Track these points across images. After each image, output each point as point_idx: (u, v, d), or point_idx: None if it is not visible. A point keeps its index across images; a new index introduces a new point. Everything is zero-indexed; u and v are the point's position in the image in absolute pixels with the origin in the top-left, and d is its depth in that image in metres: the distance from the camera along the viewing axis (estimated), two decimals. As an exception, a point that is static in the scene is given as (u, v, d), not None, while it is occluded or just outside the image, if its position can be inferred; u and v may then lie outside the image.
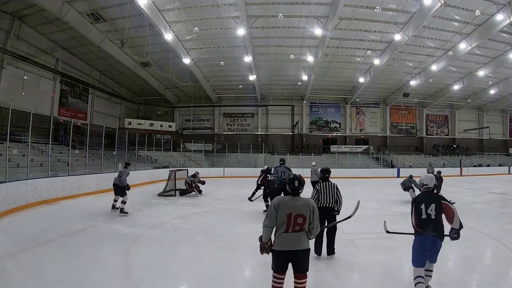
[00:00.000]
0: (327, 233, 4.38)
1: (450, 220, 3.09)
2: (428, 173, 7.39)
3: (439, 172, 9.61)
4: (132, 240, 5.24)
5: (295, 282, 2.86)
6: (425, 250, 3.09)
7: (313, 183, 11.63)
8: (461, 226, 3.09)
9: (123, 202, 7.43)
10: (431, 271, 3.26)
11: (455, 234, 3.07)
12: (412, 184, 9.40)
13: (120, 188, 7.57)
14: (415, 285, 3.07)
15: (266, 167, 9.81)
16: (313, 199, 4.39)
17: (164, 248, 4.87)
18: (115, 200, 7.77)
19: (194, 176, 11.40)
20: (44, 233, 5.54)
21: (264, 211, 7.82)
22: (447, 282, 3.62)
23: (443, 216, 3.16)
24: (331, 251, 4.36)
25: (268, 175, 8.64)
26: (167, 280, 3.68)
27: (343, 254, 4.47)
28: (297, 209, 2.79)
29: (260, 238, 2.86)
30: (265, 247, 2.84)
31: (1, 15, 14.52)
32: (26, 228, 5.92)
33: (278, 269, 2.80)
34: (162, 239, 5.41)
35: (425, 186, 3.35)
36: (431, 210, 3.12)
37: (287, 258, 2.78)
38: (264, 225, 2.82)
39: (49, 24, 15.93)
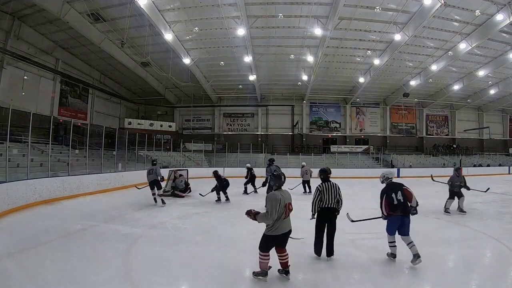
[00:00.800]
0: (327, 234, 4.37)
1: (410, 201, 4.12)
2: (457, 175, 7.12)
3: (457, 169, 8.25)
4: (132, 240, 5.24)
5: (281, 257, 3.62)
6: (395, 225, 4.15)
7: (304, 183, 12.20)
8: (417, 204, 4.16)
9: (160, 195, 8.91)
10: (411, 242, 4.08)
11: (414, 211, 4.13)
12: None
13: (158, 182, 8.87)
14: (390, 247, 4.28)
15: (248, 165, 11.89)
16: (315, 199, 4.39)
17: (164, 248, 4.87)
18: (154, 194, 8.96)
19: (174, 179, 11.23)
20: (44, 233, 5.55)
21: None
22: (447, 282, 3.62)
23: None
24: (330, 252, 4.34)
25: (219, 175, 9.86)
26: (167, 280, 3.68)
27: (343, 254, 4.47)
28: (289, 199, 3.61)
29: (254, 214, 3.51)
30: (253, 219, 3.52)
31: (1, 15, 14.52)
32: (26, 228, 5.91)
33: (270, 249, 3.55)
34: (162, 239, 5.41)
35: (390, 179, 4.38)
36: (400, 196, 4.11)
37: (281, 239, 3.54)
38: (270, 218, 3.38)
39: (49, 24, 15.95)
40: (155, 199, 8.96)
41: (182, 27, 16.52)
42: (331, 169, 4.78)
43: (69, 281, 3.54)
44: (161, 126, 27.78)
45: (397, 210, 4.07)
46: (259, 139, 28.82)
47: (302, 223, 5.80)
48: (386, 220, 4.25)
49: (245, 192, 11.53)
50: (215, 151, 25.22)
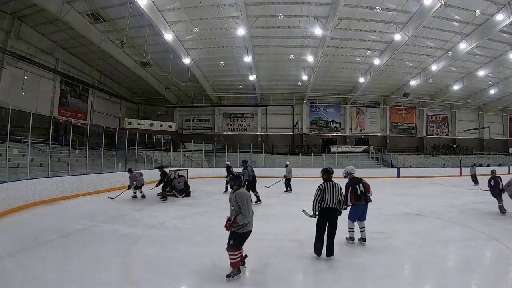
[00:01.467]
0: (327, 234, 4.36)
1: (368, 191, 5.00)
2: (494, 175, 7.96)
3: (493, 172, 8.38)
4: (132, 240, 5.24)
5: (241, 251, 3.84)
6: (358, 213, 4.98)
7: (287, 181, 12.46)
8: (371, 194, 5.06)
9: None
10: (364, 227, 5.02)
11: (369, 199, 5.03)
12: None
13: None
14: (349, 232, 5.07)
15: (228, 163, 12.09)
16: (316, 199, 4.38)
17: (164, 248, 4.87)
18: (135, 192, 10.04)
19: (172, 179, 10.96)
20: (44, 233, 5.55)
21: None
22: (448, 282, 3.62)
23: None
24: (330, 252, 4.33)
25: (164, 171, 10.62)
26: (167, 280, 3.68)
27: (343, 254, 4.48)
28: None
29: (233, 220, 3.60)
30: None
31: (1, 15, 14.52)
32: (26, 228, 5.92)
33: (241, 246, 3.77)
34: (162, 239, 5.41)
35: (352, 174, 5.17)
36: (361, 187, 4.98)
37: (249, 234, 3.74)
38: (249, 215, 3.60)
39: (49, 24, 15.94)
40: (135, 194, 10.01)
41: (182, 27, 16.52)
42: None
43: (69, 281, 3.54)
44: (161, 126, 27.78)
45: (361, 199, 4.92)
46: (259, 139, 28.82)
47: (302, 223, 5.81)
48: (349, 210, 4.99)
49: (226, 190, 11.67)
50: (215, 151, 25.20)
